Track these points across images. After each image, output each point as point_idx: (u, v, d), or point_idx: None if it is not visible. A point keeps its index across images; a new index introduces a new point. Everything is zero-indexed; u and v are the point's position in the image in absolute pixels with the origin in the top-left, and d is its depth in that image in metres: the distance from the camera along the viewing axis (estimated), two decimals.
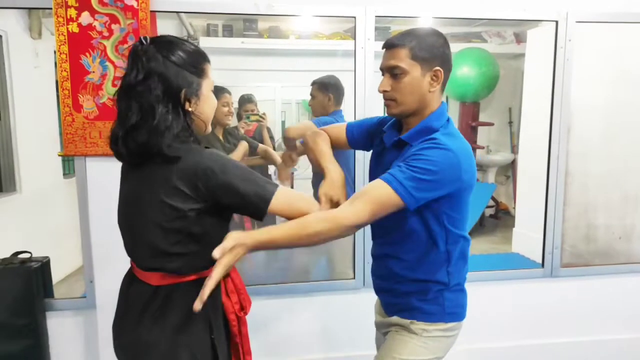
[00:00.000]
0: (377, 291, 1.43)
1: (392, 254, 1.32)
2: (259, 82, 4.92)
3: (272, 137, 3.59)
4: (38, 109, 3.45)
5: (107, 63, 1.86)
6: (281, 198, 1.10)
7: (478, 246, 4.30)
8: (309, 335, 2.24)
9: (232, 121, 3.36)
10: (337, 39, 4.78)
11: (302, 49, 4.69)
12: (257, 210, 1.10)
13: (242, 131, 3.10)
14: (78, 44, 1.83)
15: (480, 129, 4.95)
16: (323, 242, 1.13)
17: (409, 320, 1.31)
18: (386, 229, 1.32)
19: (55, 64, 3.59)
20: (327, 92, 2.58)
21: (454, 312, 1.33)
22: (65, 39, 1.82)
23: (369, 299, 1.54)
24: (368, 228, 1.38)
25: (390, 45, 1.22)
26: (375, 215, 1.14)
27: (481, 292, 2.32)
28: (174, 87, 1.07)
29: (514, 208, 5.06)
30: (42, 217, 3.43)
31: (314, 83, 2.64)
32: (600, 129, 2.42)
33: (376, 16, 2.02)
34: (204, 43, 4.27)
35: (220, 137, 2.44)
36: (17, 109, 3.20)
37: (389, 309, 1.38)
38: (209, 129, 1.20)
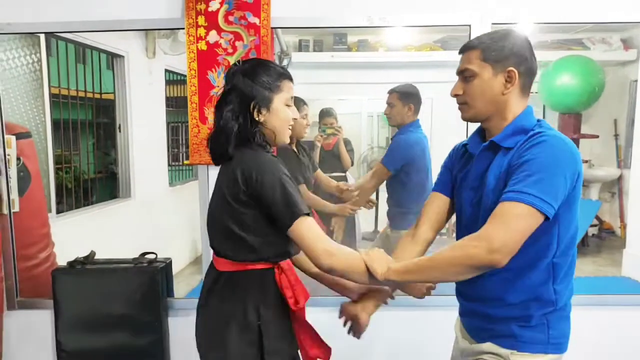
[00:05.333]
0: (464, 314, 1.32)
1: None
2: (346, 95, 4.99)
3: (351, 150, 3.59)
4: (149, 123, 3.76)
5: None
6: (301, 226, 1.21)
7: (582, 267, 3.98)
8: (412, 352, 2.19)
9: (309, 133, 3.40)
10: (426, 50, 4.72)
11: (389, 62, 4.69)
12: (282, 225, 1.23)
13: (319, 144, 3.12)
14: (205, 61, 1.97)
15: (582, 141, 4.62)
16: (462, 273, 1.09)
17: (509, 351, 1.19)
18: None
19: (165, 81, 3.91)
20: (407, 101, 2.49)
21: (558, 342, 1.20)
22: (194, 57, 1.97)
23: None
24: None
25: (463, 49, 1.22)
26: (521, 240, 1.07)
27: (593, 319, 2.12)
28: (246, 100, 1.26)
29: (620, 228, 4.66)
30: (150, 221, 3.70)
31: (392, 91, 2.54)
32: None
33: (492, 23, 1.96)
34: (296, 58, 4.41)
35: (295, 149, 2.46)
36: (134, 122, 3.51)
37: (479, 334, 1.26)
38: (283, 139, 1.34)
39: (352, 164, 3.51)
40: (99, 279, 2.11)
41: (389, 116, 2.56)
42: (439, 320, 2.06)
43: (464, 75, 1.21)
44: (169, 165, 4.34)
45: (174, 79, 4.31)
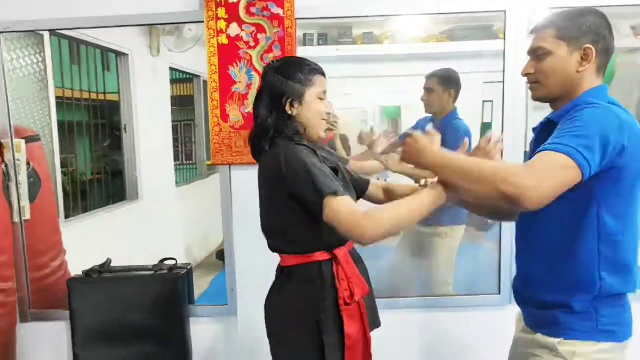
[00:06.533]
0: (519, 303, 1.30)
1: (530, 250, 1.21)
2: (351, 89, 4.89)
3: (349, 147, 3.46)
4: (154, 123, 3.64)
5: (253, 73, 1.88)
6: (331, 205, 1.15)
7: None
8: (447, 354, 2.11)
9: None
10: (432, 42, 4.63)
11: (396, 54, 4.58)
12: (314, 204, 1.18)
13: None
14: (226, 55, 1.87)
15: None
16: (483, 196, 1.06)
17: (557, 340, 1.15)
18: (527, 217, 1.22)
19: (170, 81, 3.80)
20: (448, 87, 2.37)
21: (610, 330, 1.14)
22: (215, 51, 1.87)
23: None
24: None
25: (536, 29, 1.20)
26: (555, 190, 1.01)
27: None
28: (278, 94, 1.28)
29: None
30: (159, 223, 3.59)
31: (433, 76, 2.42)
32: None
33: (529, 9, 1.87)
34: (301, 52, 4.30)
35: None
36: (140, 122, 3.39)
37: (533, 322, 1.24)
38: (318, 133, 1.34)
39: (348, 161, 3.39)
40: (117, 287, 2.01)
41: (427, 103, 2.43)
42: (482, 320, 2.01)
43: (537, 54, 1.18)
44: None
45: (177, 78, 4.19)
